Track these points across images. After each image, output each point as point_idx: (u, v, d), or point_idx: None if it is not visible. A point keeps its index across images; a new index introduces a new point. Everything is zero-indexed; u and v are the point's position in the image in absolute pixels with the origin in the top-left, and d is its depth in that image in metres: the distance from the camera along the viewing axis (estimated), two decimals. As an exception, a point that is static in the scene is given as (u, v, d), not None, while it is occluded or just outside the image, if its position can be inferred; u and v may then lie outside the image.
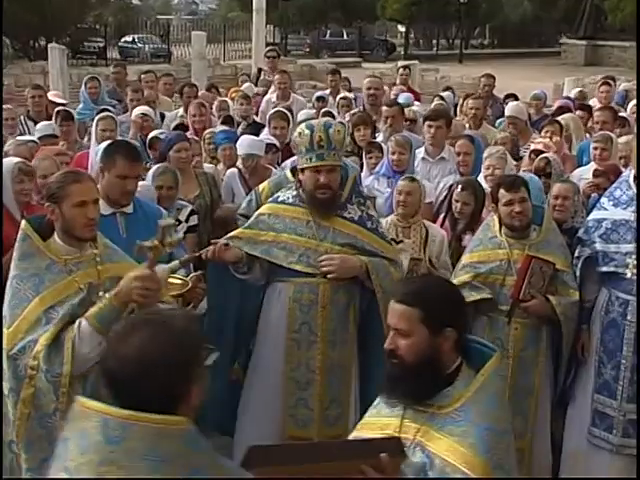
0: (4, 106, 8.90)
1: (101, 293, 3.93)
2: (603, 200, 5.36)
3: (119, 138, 7.15)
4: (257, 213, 5.05)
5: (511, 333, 5.10)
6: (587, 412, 5.22)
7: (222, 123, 8.89)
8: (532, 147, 7.50)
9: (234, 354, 5.22)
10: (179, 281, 4.52)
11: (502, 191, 5.11)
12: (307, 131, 4.72)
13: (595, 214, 5.33)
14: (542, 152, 7.10)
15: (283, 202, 4.96)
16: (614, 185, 5.43)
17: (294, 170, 5.42)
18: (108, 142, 5.50)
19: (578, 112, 9.59)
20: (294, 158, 6.47)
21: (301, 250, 4.83)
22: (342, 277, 4.82)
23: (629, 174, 5.28)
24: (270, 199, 5.10)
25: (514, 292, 5.02)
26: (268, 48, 16.21)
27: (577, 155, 8.03)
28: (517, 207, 5.05)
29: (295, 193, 4.96)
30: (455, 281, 5.15)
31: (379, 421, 3.05)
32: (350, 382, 4.99)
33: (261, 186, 5.76)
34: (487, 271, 5.11)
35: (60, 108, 8.90)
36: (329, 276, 4.79)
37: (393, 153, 6.73)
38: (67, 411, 2.50)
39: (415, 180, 5.85)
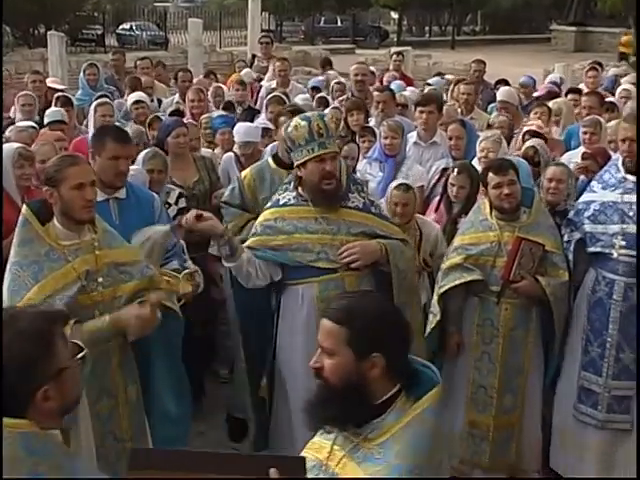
0: (22, 92, 8.89)
1: (100, 279, 3.95)
2: (593, 183, 5.37)
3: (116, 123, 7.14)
4: (261, 220, 4.85)
5: (501, 313, 5.13)
6: (574, 389, 5.26)
7: (223, 109, 8.84)
8: (525, 129, 7.49)
9: (259, 367, 5.09)
10: (171, 279, 4.45)
11: (491, 174, 5.11)
12: (304, 122, 4.55)
13: (585, 197, 5.35)
14: (536, 133, 7.12)
15: (285, 204, 4.76)
16: (604, 169, 5.44)
17: (275, 157, 5.42)
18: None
19: (570, 96, 9.56)
20: (274, 144, 6.42)
21: (317, 247, 4.66)
22: (366, 264, 4.68)
23: (618, 157, 5.29)
24: (270, 204, 4.89)
25: (504, 273, 5.03)
26: (261, 35, 16.13)
27: (565, 139, 8.03)
28: (506, 189, 5.05)
29: (295, 194, 4.77)
30: (447, 263, 5.20)
31: (319, 442, 2.79)
32: None
33: (243, 173, 5.71)
34: (478, 253, 5.12)
35: (60, 94, 8.87)
36: (353, 265, 4.64)
37: (385, 137, 6.72)
38: None
39: (410, 189, 5.69)
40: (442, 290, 5.16)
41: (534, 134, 7.09)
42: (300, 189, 4.76)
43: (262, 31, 23.75)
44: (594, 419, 5.17)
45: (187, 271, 4.65)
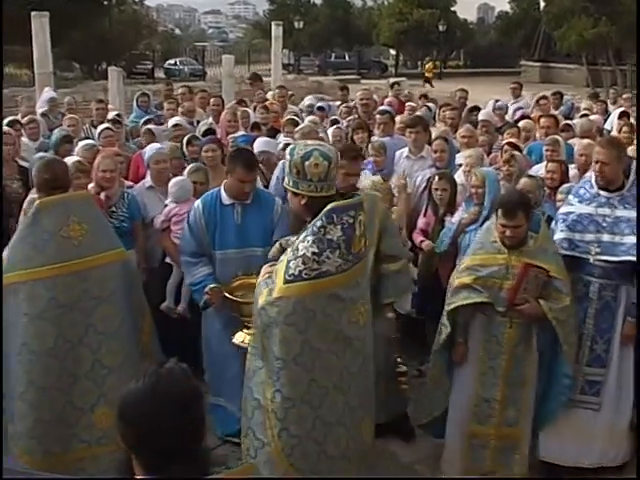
0: (70, 116, 8.96)
1: None
2: (570, 197, 5.00)
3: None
4: None
5: (506, 331, 4.54)
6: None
7: (251, 129, 8.73)
8: (505, 141, 7.36)
9: None
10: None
11: (500, 212, 4.50)
12: (288, 156, 3.66)
13: (564, 209, 4.99)
14: (515, 145, 7.06)
15: None
16: (579, 184, 5.10)
17: None
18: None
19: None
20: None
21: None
22: None
23: (591, 175, 4.93)
24: None
25: (510, 297, 4.44)
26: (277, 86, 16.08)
27: (527, 154, 7.81)
28: (508, 232, 4.43)
29: None
30: (457, 282, 4.62)
31: None
32: None
33: None
34: (487, 275, 4.48)
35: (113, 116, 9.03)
36: None
37: (371, 157, 6.59)
38: None
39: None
40: (451, 307, 4.59)
41: (514, 146, 6.93)
42: None
43: (283, 66, 23.65)
44: (596, 404, 4.85)
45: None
